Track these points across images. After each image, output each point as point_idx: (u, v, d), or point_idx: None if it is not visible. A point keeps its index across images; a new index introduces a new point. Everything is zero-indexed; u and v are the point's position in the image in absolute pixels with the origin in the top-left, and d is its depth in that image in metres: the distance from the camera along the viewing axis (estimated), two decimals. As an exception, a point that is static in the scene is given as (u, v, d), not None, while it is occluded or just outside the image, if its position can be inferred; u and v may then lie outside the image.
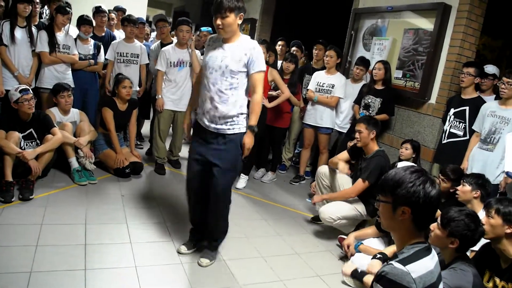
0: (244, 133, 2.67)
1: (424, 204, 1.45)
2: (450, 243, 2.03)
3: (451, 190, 3.09)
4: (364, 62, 4.68)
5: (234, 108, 2.63)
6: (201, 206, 2.87)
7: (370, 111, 4.41)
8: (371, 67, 4.65)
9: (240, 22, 2.59)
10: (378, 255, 2.68)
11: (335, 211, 3.40)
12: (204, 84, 2.67)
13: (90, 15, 4.75)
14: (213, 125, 2.65)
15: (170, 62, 4.35)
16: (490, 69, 3.82)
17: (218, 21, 2.52)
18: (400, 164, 3.13)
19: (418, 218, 1.48)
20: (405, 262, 1.44)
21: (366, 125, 3.44)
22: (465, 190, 2.86)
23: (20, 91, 3.53)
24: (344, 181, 3.75)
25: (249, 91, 2.71)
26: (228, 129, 2.64)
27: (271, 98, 4.51)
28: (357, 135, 3.49)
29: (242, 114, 2.68)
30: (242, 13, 2.57)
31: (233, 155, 2.68)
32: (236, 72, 2.59)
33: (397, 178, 1.49)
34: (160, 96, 4.39)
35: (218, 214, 2.83)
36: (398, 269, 1.41)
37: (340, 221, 3.40)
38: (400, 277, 1.39)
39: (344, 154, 3.80)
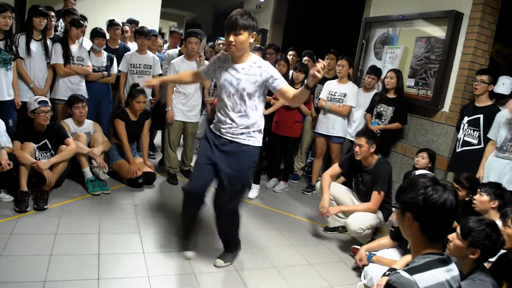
0: (259, 147, 2.72)
1: (425, 209, 1.43)
2: (470, 254, 1.98)
3: (467, 199, 3.05)
4: (375, 71, 4.67)
5: (251, 124, 2.66)
6: (197, 210, 2.92)
7: (383, 120, 4.39)
8: (382, 76, 4.63)
9: (252, 41, 2.58)
10: (387, 272, 2.62)
11: (362, 221, 3.36)
12: (223, 106, 2.70)
13: (104, 27, 4.83)
14: (229, 135, 2.68)
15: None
16: (508, 85, 3.65)
17: (231, 38, 2.50)
18: (418, 173, 3.09)
19: (424, 225, 1.46)
20: (412, 271, 1.42)
21: (367, 139, 3.42)
22: (482, 200, 2.80)
23: (39, 102, 3.60)
24: (348, 192, 3.79)
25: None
26: (244, 139, 2.66)
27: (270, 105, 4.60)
28: (357, 148, 3.47)
29: (259, 130, 2.71)
30: (254, 32, 2.57)
31: (244, 167, 2.68)
32: (253, 94, 2.61)
33: (405, 184, 1.52)
34: (170, 108, 4.42)
35: (230, 224, 2.91)
36: (404, 278, 1.39)
37: (367, 231, 3.37)
38: (406, 286, 1.37)
39: (336, 169, 3.75)
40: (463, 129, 3.78)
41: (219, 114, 2.74)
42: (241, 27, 2.47)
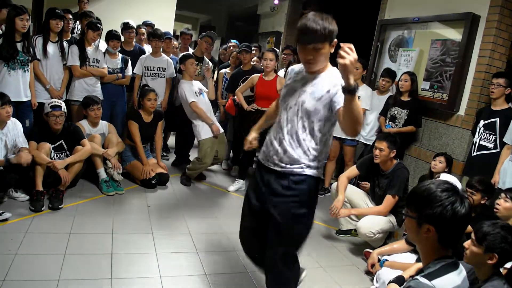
0: (315, 178, 2.08)
1: (450, 224, 1.43)
2: (488, 259, 1.93)
3: (482, 202, 3.01)
4: (390, 74, 4.64)
5: (305, 156, 2.03)
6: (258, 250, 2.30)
7: (397, 123, 4.35)
8: (397, 79, 4.59)
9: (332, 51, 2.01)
10: (393, 279, 2.59)
11: (374, 225, 3.33)
12: (278, 120, 2.14)
13: (119, 30, 4.88)
14: (277, 167, 2.08)
15: (195, 92, 4.47)
16: None
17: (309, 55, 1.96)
18: (443, 177, 3.03)
19: (443, 236, 1.46)
20: (430, 277, 1.42)
21: (388, 144, 3.39)
22: (507, 206, 2.68)
23: (52, 106, 3.67)
24: (363, 195, 3.78)
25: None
26: (296, 168, 2.04)
27: None
28: (377, 152, 3.44)
29: (313, 163, 2.06)
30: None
31: (298, 205, 2.04)
32: (312, 113, 2.00)
33: (426, 195, 1.48)
34: (212, 123, 4.46)
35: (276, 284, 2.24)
36: (424, 284, 1.39)
37: (378, 235, 3.34)
38: None
39: (353, 171, 3.73)
40: (478, 132, 3.73)
41: (269, 136, 2.23)
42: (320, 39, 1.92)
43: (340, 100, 1.88)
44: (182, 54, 4.62)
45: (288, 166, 2.04)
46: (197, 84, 4.55)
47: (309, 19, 1.92)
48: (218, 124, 4.51)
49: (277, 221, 2.04)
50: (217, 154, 4.66)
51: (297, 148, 2.03)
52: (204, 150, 4.44)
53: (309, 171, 2.04)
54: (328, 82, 1.98)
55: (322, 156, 2.10)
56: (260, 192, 2.16)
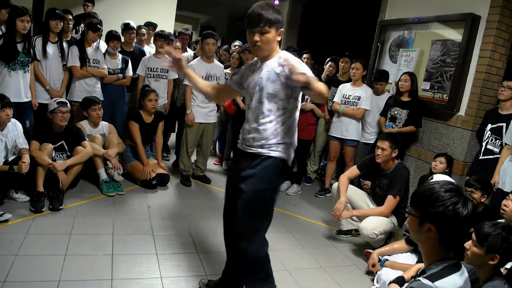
0: (282, 160, 2.20)
1: (451, 225, 1.43)
2: (490, 260, 1.93)
3: (482, 200, 3.04)
4: (382, 74, 4.69)
5: (272, 137, 2.18)
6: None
7: (397, 123, 4.35)
8: (397, 79, 4.59)
9: (279, 39, 2.23)
10: (394, 279, 2.58)
11: (376, 226, 3.34)
12: (246, 110, 2.31)
13: (119, 30, 4.88)
14: (249, 149, 2.24)
15: (201, 76, 4.40)
16: None
17: (256, 37, 2.15)
18: (437, 177, 3.03)
19: (444, 237, 1.46)
20: (433, 278, 1.42)
21: (390, 144, 3.40)
22: None
23: (58, 103, 3.69)
24: (364, 196, 3.77)
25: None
26: (264, 151, 2.19)
27: None
28: (379, 151, 3.44)
29: (283, 143, 2.19)
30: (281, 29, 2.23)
31: (262, 182, 2.17)
32: (273, 95, 2.14)
33: (428, 194, 1.48)
34: (190, 111, 4.43)
35: (241, 263, 2.37)
36: (426, 285, 1.39)
37: (381, 235, 3.35)
38: None
39: (354, 171, 3.72)
40: (486, 136, 3.71)
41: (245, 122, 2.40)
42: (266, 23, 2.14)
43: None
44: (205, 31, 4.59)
45: (258, 149, 2.20)
46: (208, 67, 4.46)
47: (257, 5, 2.21)
48: (194, 116, 4.43)
49: (242, 193, 2.19)
50: (201, 152, 4.70)
51: (264, 132, 2.18)
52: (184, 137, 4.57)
53: (274, 153, 2.19)
54: (278, 64, 2.15)
55: (290, 136, 2.24)
56: (235, 172, 2.33)
